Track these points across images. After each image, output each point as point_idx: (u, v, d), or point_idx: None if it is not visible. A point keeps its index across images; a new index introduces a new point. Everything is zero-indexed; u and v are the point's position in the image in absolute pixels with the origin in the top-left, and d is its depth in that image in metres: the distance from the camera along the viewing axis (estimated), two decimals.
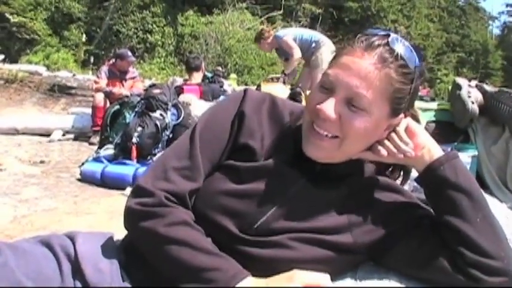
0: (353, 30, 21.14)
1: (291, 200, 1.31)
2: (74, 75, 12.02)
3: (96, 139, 7.30)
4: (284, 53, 7.64)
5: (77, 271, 1.29)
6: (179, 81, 8.59)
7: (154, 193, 1.26)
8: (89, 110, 8.25)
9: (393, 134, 1.32)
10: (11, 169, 5.89)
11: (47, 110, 10.62)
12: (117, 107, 6.30)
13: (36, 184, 5.29)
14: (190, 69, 7.21)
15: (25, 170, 5.89)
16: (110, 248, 1.38)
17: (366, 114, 1.23)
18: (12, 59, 14.12)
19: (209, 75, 7.62)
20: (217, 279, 1.17)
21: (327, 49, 7.28)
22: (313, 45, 7.39)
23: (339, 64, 1.25)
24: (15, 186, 5.18)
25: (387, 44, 1.24)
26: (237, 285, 1.16)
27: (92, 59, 16.71)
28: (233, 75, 12.01)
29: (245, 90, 1.43)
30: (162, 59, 17.34)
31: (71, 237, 1.38)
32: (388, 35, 1.26)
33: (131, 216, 1.30)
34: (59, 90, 11.30)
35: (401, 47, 1.25)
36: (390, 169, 1.46)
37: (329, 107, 1.22)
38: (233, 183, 1.32)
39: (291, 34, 7.60)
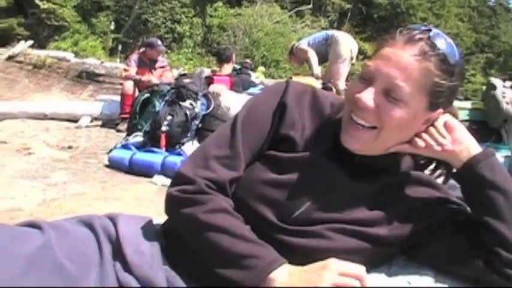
0: (382, 27, 21.16)
1: (329, 192, 1.32)
2: (101, 62, 12.07)
3: (123, 126, 7.33)
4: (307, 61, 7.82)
5: (118, 252, 1.31)
6: (207, 72, 8.59)
7: (195, 180, 1.29)
8: (117, 97, 8.28)
9: (431, 128, 1.33)
10: (39, 153, 5.94)
11: (74, 96, 10.69)
12: (147, 95, 6.33)
13: (65, 169, 5.32)
14: (221, 60, 7.22)
15: (53, 155, 5.94)
16: (150, 232, 1.40)
17: (403, 106, 1.24)
18: (41, 45, 14.21)
19: (237, 67, 7.65)
20: (255, 265, 1.18)
21: (341, 41, 7.45)
22: (327, 41, 7.54)
23: (379, 55, 1.27)
24: (44, 170, 5.21)
25: (429, 38, 1.25)
26: (273, 272, 1.17)
27: (119, 47, 16.76)
28: (261, 68, 11.98)
29: (287, 82, 1.44)
30: (190, 50, 17.35)
31: (112, 219, 1.40)
32: (430, 30, 1.27)
33: (172, 203, 1.33)
34: (87, 77, 11.38)
35: (442, 42, 1.27)
36: (432, 167, 1.45)
37: (367, 96, 1.25)
38: (273, 173, 1.33)
39: (304, 41, 7.87)
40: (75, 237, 1.31)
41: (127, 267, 1.28)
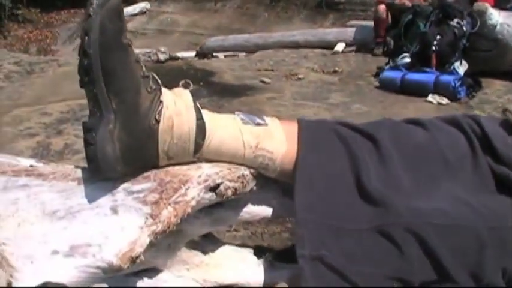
0: None
1: None
2: None
3: (379, 50, 7.46)
4: None
5: (487, 147, 1.38)
6: None
7: None
8: (365, 23, 8.46)
9: None
10: (308, 78, 6.29)
11: (316, 26, 10.97)
12: (410, 16, 6.40)
13: (339, 91, 5.61)
14: None
15: (322, 79, 6.27)
16: (508, 128, 1.46)
17: None
18: None
19: None
20: None
21: None
22: None
23: None
24: (320, 92, 5.55)
25: None
26: None
27: None
28: None
29: None
30: None
31: (474, 118, 1.48)
32: None
33: None
34: (327, 6, 11.61)
35: None
36: None
37: None
38: None
39: None
40: (449, 133, 1.42)
41: (499, 159, 1.35)
